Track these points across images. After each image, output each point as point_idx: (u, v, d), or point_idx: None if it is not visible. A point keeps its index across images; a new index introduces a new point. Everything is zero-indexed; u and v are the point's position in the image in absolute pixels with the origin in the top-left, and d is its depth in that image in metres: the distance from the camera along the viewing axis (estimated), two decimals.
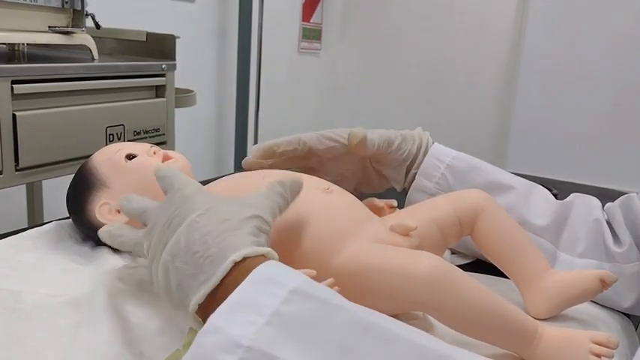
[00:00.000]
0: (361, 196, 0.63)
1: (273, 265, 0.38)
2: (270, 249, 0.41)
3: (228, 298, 0.34)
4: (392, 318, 0.36)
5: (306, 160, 0.72)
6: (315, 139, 0.70)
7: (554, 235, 0.68)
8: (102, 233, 0.50)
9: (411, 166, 0.72)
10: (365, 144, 0.67)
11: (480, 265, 0.69)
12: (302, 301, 0.34)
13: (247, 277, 0.36)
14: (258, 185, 0.56)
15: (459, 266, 0.59)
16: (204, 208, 0.43)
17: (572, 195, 0.71)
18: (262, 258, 0.40)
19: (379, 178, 0.75)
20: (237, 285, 0.35)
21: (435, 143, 0.73)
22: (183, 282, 0.41)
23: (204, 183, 0.57)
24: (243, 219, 0.42)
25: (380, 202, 0.63)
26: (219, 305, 0.34)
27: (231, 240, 0.40)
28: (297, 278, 0.36)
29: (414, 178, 0.72)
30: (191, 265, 0.40)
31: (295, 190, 0.49)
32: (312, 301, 0.34)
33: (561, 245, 0.68)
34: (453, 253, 0.75)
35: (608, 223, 0.67)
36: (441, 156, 0.71)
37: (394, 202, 0.63)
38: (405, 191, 0.74)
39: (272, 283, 0.35)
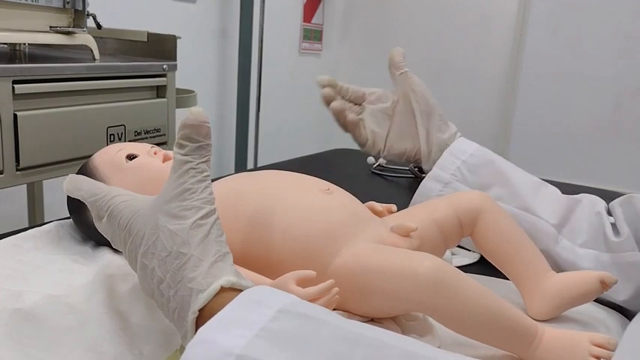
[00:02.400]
0: (361, 200, 0.63)
1: (258, 289, 0.37)
2: (218, 287, 0.39)
3: (216, 315, 0.34)
4: (382, 329, 0.36)
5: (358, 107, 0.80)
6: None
7: (559, 226, 0.69)
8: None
9: (436, 124, 0.76)
10: (402, 52, 0.79)
11: (482, 266, 0.69)
12: (290, 319, 0.34)
13: (234, 300, 0.36)
14: (263, 188, 0.56)
15: (460, 267, 0.59)
16: (145, 244, 0.42)
17: (581, 194, 0.73)
18: (227, 294, 0.38)
19: (408, 131, 0.78)
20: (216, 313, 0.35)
21: (459, 139, 0.77)
22: (167, 318, 0.42)
23: None
24: (180, 253, 0.40)
25: (380, 206, 0.63)
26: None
27: (183, 289, 0.39)
28: (283, 299, 0.36)
29: (438, 151, 0.75)
30: (165, 312, 0.41)
31: (200, 130, 0.43)
32: (300, 318, 0.34)
33: (564, 233, 0.69)
34: (453, 254, 0.75)
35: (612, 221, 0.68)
36: (458, 153, 0.75)
37: (394, 207, 0.63)
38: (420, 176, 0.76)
39: (259, 305, 0.35)
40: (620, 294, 0.64)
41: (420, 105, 0.77)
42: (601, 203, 0.70)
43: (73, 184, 0.49)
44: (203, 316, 0.38)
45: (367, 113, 0.79)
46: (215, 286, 0.39)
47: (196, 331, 0.37)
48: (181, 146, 0.43)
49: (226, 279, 0.39)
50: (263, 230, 0.52)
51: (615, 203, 0.68)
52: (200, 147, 0.43)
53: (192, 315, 0.38)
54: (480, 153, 0.75)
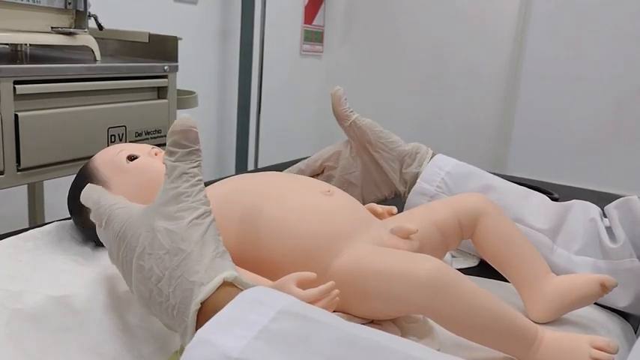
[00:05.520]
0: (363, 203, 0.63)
1: (258, 289, 0.38)
2: (221, 280, 0.39)
3: (216, 315, 0.34)
4: (381, 331, 0.36)
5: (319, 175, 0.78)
6: (312, 159, 0.77)
7: (552, 234, 0.68)
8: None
9: (403, 161, 0.74)
10: (341, 96, 0.75)
11: (483, 269, 0.69)
12: (290, 320, 0.34)
13: (234, 299, 0.36)
14: (264, 189, 0.56)
15: (460, 270, 0.59)
16: (141, 245, 0.42)
17: (572, 200, 0.72)
18: (229, 288, 0.39)
19: (382, 181, 0.76)
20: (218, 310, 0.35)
21: (438, 154, 0.75)
22: (164, 319, 0.42)
23: (206, 184, 0.57)
24: (179, 250, 0.40)
25: (380, 208, 0.63)
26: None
27: (184, 284, 0.39)
28: (284, 300, 0.36)
29: (413, 183, 0.73)
30: (163, 312, 0.41)
31: (189, 135, 0.43)
32: (300, 320, 0.34)
33: (558, 242, 0.68)
34: (454, 256, 0.75)
35: (607, 225, 0.67)
36: (442, 164, 0.74)
37: (394, 209, 0.63)
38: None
39: (259, 305, 0.35)
40: (620, 301, 0.64)
41: (382, 154, 0.74)
42: (594, 209, 0.70)
43: (87, 192, 0.50)
44: (204, 310, 0.38)
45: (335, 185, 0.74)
46: (218, 279, 0.39)
47: (197, 326, 0.37)
48: (172, 153, 0.43)
49: (229, 273, 0.39)
50: (264, 232, 0.52)
51: (611, 206, 0.68)
52: (190, 152, 0.43)
53: (194, 307, 0.38)
54: (461, 166, 0.74)
